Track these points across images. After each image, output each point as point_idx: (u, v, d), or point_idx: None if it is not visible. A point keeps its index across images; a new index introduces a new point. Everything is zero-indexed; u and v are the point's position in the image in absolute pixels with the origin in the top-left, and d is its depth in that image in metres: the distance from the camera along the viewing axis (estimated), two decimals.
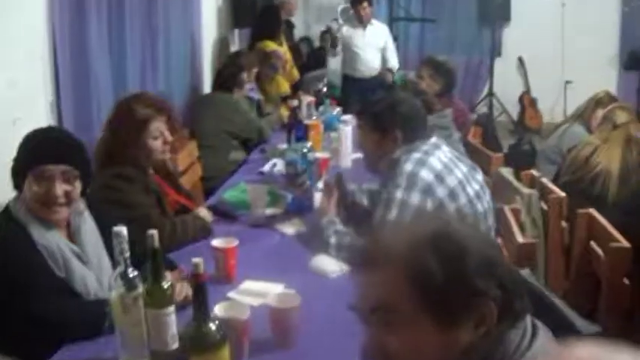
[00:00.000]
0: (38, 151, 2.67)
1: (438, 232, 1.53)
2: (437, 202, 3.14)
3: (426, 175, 3.18)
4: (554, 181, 4.52)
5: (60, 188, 2.64)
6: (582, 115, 5.47)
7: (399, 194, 3.16)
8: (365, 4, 8.96)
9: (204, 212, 3.75)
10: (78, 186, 2.72)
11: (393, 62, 9.35)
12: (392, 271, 1.50)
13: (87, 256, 2.74)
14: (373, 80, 9.12)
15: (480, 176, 3.48)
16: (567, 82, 11.70)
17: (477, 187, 3.35)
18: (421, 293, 1.46)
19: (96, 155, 3.46)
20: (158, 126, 3.53)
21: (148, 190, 3.51)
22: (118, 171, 3.39)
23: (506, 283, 1.50)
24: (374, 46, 9.13)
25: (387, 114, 3.42)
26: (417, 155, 3.27)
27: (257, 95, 6.75)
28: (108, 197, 3.25)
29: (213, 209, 3.87)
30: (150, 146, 3.51)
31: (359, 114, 3.68)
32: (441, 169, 3.23)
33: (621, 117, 4.57)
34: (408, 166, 3.21)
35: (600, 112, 5.16)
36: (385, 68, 9.18)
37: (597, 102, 5.40)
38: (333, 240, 3.31)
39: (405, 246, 1.51)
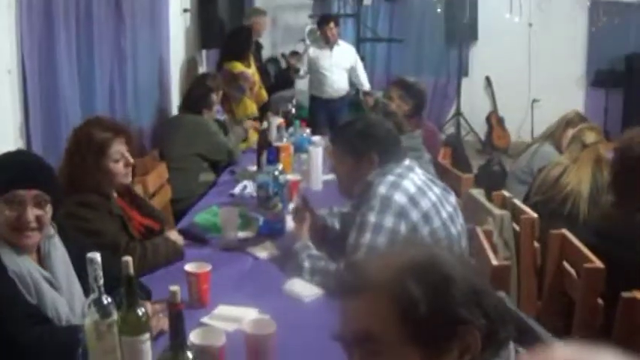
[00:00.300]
0: (10, 176, 2.63)
1: (421, 260, 1.52)
2: (410, 226, 3.12)
3: (399, 198, 3.15)
4: (525, 201, 4.54)
5: (31, 213, 2.61)
6: (553, 135, 5.49)
7: (372, 218, 3.13)
8: (331, 24, 8.98)
9: (174, 235, 3.72)
10: (49, 211, 2.69)
11: (366, 83, 9.38)
12: (375, 299, 1.49)
13: (58, 282, 2.70)
14: (341, 101, 9.15)
15: (452, 198, 3.46)
16: (534, 101, 11.82)
17: (450, 209, 3.33)
18: (405, 322, 1.45)
19: None
20: (118, 148, 3.51)
21: (112, 214, 3.48)
22: (80, 199, 3.36)
23: (490, 311, 1.49)
24: (341, 67, 9.15)
25: (362, 138, 3.39)
26: (390, 178, 3.24)
27: (222, 116, 6.70)
28: (74, 225, 3.19)
29: (184, 232, 3.84)
30: (112, 170, 3.49)
31: (332, 139, 3.64)
32: (414, 192, 3.21)
33: (590, 137, 4.58)
34: (382, 189, 3.18)
35: (570, 132, 5.19)
36: (363, 92, 9.19)
37: (567, 122, 5.42)
38: (306, 264, 3.29)
39: (388, 274, 1.50)
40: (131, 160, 3.58)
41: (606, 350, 1.04)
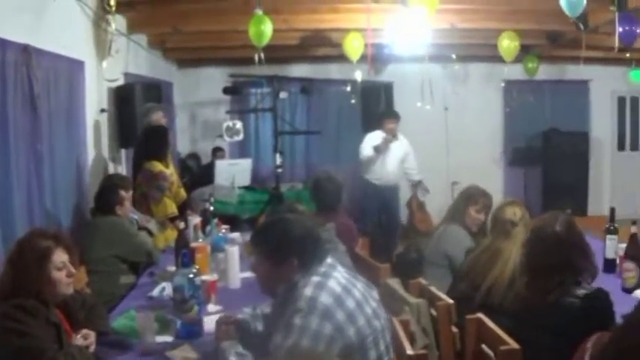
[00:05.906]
0: None
1: None
2: (336, 326, 3.08)
3: (325, 299, 3.13)
4: (453, 287, 4.60)
5: None
6: (455, 215, 5.59)
7: (297, 320, 3.10)
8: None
9: (80, 341, 3.64)
10: None
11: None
12: None
13: None
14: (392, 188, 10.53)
15: (375, 293, 3.43)
16: (454, 184, 11.96)
17: (374, 304, 3.30)
18: None
19: None
20: (60, 257, 3.54)
21: (48, 322, 3.43)
22: (19, 302, 3.34)
23: None
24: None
25: (280, 243, 3.36)
26: (315, 279, 3.23)
27: (135, 215, 6.61)
28: (5, 326, 3.24)
29: (103, 340, 3.78)
30: (54, 278, 3.50)
31: (251, 241, 3.62)
32: (340, 291, 3.18)
33: (512, 213, 4.61)
34: (307, 291, 3.17)
35: (472, 209, 5.34)
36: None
37: (467, 198, 5.56)
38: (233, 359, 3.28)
39: None
40: (73, 270, 3.60)
41: None
